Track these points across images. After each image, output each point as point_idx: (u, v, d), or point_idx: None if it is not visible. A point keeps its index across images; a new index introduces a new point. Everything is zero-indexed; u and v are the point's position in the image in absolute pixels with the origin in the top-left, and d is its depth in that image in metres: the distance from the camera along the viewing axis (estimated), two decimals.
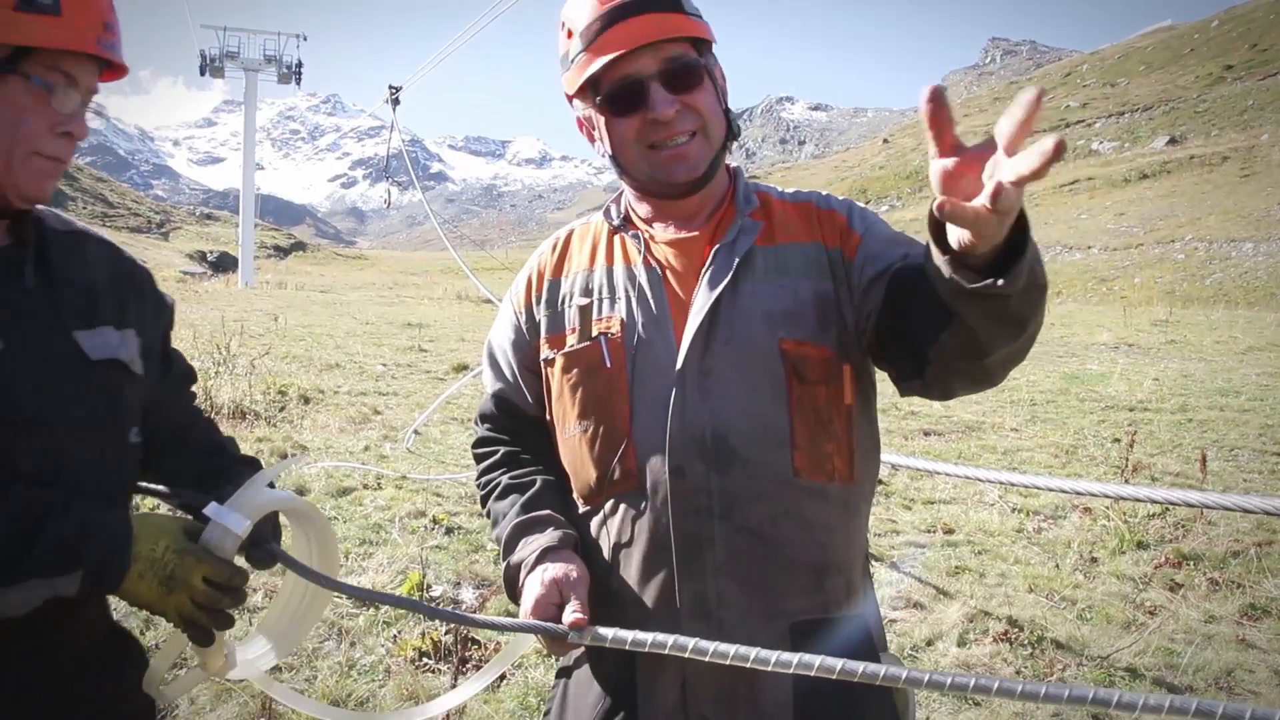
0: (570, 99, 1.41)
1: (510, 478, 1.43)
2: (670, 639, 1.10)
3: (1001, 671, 3.42)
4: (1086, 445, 7.22)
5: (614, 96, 1.32)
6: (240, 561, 1.22)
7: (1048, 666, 3.46)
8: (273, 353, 10.60)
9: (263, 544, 1.24)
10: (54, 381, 1.20)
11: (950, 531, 5.12)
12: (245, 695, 2.97)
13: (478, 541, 4.72)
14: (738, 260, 1.32)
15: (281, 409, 8.10)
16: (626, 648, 1.15)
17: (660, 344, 1.32)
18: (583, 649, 1.35)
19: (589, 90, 1.34)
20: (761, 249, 1.35)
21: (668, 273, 1.37)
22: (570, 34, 1.34)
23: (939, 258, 1.05)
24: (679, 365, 1.29)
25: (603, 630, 1.17)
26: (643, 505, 1.29)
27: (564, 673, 1.42)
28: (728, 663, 1.07)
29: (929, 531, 5.14)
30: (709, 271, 1.33)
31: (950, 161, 0.95)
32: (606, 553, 1.34)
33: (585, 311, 1.38)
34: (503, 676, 3.19)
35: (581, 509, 1.38)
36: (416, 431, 7.37)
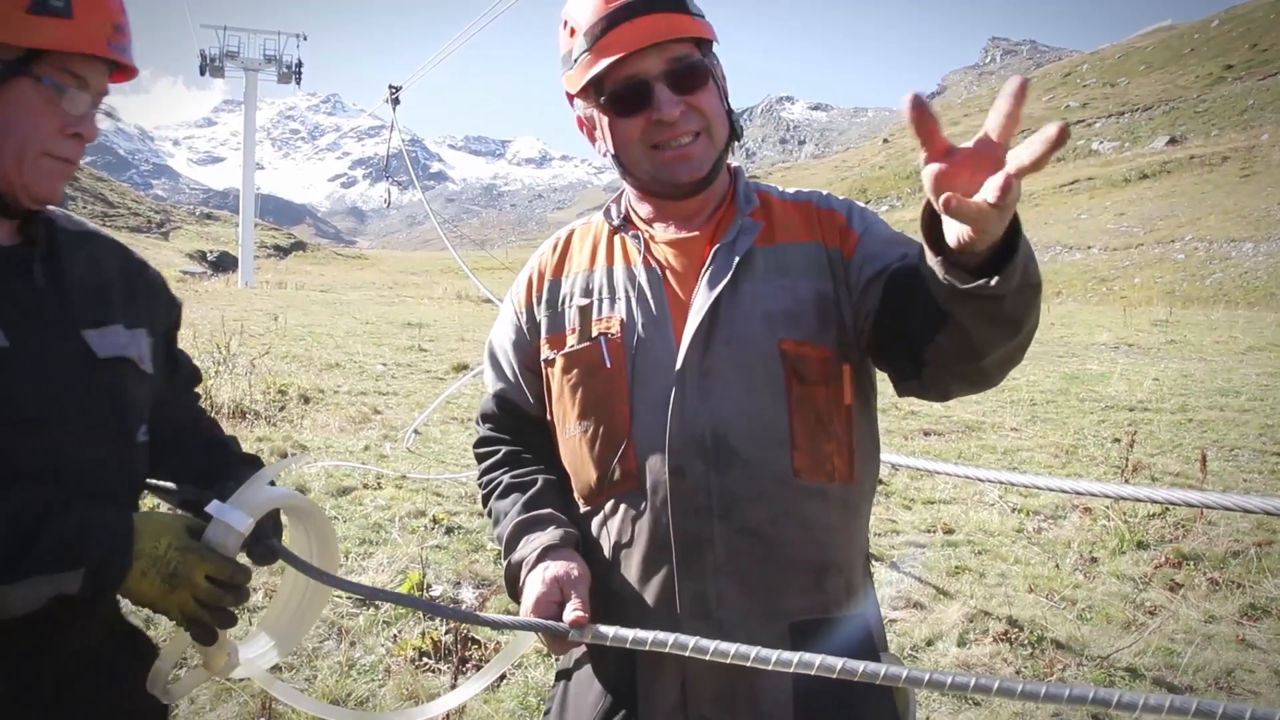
0: (571, 98, 1.40)
1: (512, 477, 1.44)
2: (670, 638, 1.11)
3: (1001, 671, 3.42)
4: (1086, 445, 7.22)
5: (618, 97, 1.31)
6: (242, 559, 1.22)
7: (1048, 666, 3.46)
8: (273, 352, 10.58)
9: (264, 541, 1.25)
10: (56, 381, 1.20)
11: (950, 531, 5.12)
12: (245, 695, 2.97)
13: (478, 541, 4.72)
14: (737, 260, 1.32)
15: (281, 408, 8.10)
16: (627, 646, 1.15)
17: (660, 344, 1.32)
18: (583, 648, 1.35)
19: (592, 90, 1.33)
20: (761, 249, 1.35)
21: (667, 273, 1.36)
22: (573, 33, 1.33)
23: (932, 259, 1.05)
24: (679, 365, 1.29)
25: (603, 628, 1.18)
26: (643, 505, 1.29)
27: (564, 673, 1.42)
28: (728, 662, 1.07)
29: (929, 531, 5.14)
30: (709, 271, 1.33)
31: (943, 165, 0.95)
32: (607, 553, 1.34)
33: (585, 312, 1.38)
34: (503, 676, 3.19)
35: (582, 509, 1.39)
36: (416, 431, 7.37)
